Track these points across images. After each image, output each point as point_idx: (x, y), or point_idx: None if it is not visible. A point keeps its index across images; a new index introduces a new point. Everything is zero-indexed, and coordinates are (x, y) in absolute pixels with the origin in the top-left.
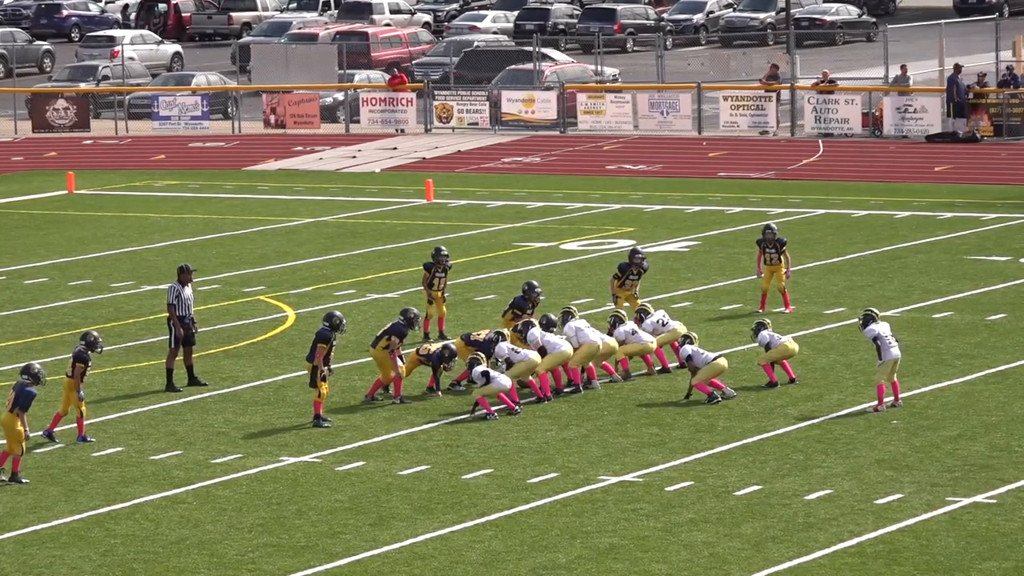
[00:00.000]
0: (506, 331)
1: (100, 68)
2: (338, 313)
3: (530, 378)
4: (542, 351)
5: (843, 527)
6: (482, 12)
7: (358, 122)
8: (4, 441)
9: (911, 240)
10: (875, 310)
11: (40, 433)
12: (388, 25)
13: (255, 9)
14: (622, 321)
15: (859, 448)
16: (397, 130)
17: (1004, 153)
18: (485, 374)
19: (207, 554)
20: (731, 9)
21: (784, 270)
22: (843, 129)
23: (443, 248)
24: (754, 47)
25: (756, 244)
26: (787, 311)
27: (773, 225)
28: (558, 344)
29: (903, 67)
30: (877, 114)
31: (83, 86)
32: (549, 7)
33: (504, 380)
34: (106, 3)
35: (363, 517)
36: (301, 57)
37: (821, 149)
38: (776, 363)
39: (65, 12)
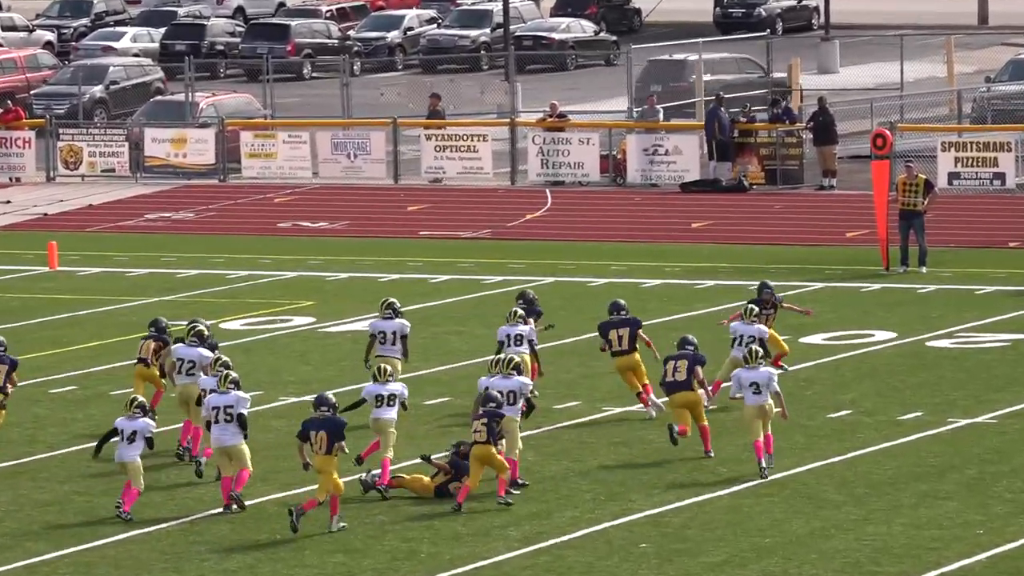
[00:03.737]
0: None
1: None
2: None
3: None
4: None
5: None
6: (119, 30)
7: None
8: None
9: (664, 315)
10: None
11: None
12: (1, 46)
13: None
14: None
15: None
16: (11, 179)
17: (778, 205)
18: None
19: None
20: (435, 25)
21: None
22: (576, 176)
23: (163, 319)
24: (465, 72)
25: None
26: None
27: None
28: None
29: (651, 98)
30: (619, 157)
31: None
32: (204, 23)
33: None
34: None
35: None
36: None
37: (549, 201)
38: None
39: None
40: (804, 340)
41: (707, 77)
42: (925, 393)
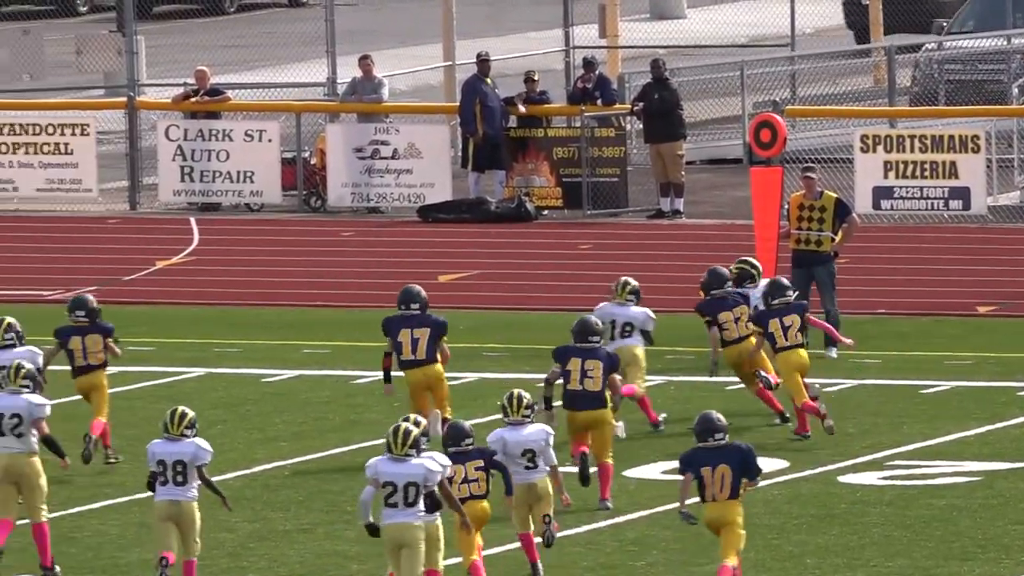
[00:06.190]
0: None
1: None
2: None
3: None
4: None
5: None
6: None
7: None
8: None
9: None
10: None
11: None
12: None
13: None
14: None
15: None
16: None
17: (586, 244)
18: None
19: None
20: None
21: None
22: (242, 195)
23: None
24: (51, 18)
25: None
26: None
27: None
28: None
29: (366, 60)
30: (315, 163)
31: None
32: None
33: None
34: None
35: None
36: None
37: (196, 237)
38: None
39: None
40: (630, 474)
41: None
42: (835, 564)
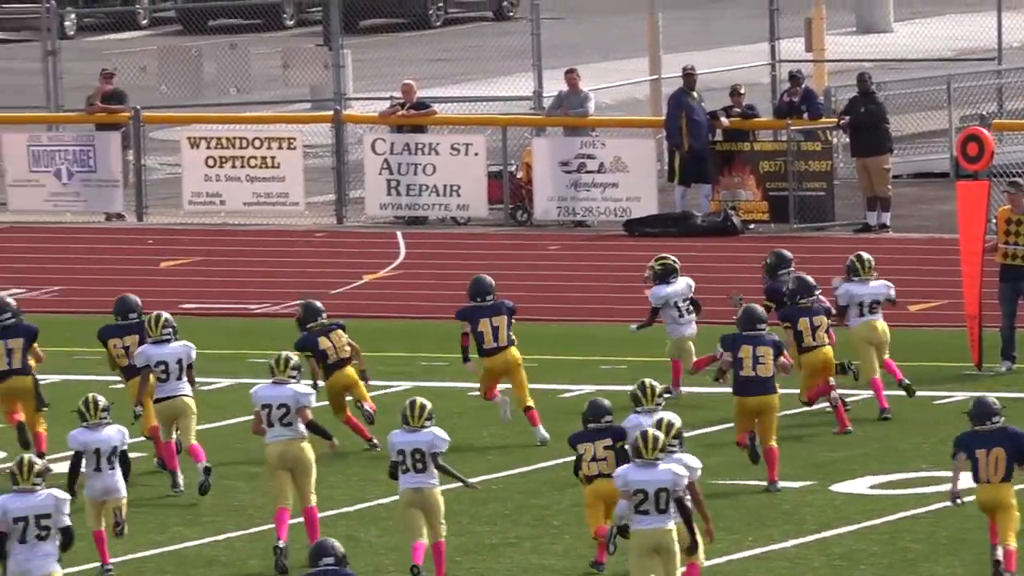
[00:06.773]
0: None
1: None
2: None
3: None
4: None
5: None
6: None
7: None
8: None
9: None
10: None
11: None
12: None
13: None
14: None
15: None
16: None
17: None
18: None
19: None
20: None
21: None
22: (448, 208)
23: None
24: (255, 31)
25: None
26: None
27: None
28: None
29: (572, 74)
30: (521, 176)
31: None
32: None
33: None
34: None
35: None
36: None
37: (403, 251)
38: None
39: None
40: (837, 489)
41: None
42: None
